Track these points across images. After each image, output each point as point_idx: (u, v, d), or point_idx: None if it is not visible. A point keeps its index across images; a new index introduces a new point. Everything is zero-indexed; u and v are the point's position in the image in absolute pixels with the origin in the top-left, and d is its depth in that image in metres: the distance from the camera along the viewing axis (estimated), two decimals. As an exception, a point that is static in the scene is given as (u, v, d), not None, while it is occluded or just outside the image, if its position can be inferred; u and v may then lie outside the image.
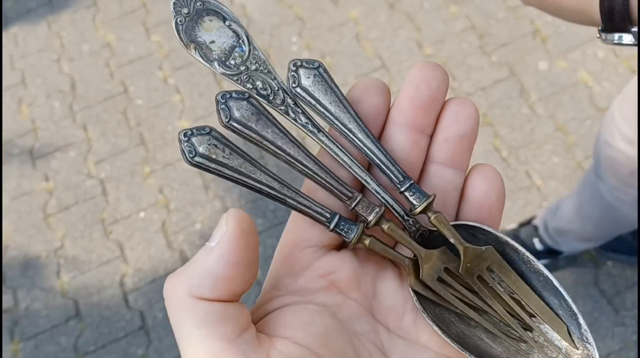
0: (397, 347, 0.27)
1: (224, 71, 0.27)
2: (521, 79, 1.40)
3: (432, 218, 0.27)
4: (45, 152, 1.47)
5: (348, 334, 0.26)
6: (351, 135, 0.27)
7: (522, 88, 1.39)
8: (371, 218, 0.27)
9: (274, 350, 0.23)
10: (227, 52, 0.27)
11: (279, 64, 1.51)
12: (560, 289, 0.26)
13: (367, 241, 0.27)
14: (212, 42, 0.27)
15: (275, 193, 0.26)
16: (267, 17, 1.59)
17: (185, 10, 0.27)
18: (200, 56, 0.27)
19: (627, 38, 0.46)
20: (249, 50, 0.27)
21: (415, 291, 0.27)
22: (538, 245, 1.14)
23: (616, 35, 0.47)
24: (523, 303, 0.27)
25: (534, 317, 0.27)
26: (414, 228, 0.28)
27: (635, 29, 0.45)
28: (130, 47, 1.59)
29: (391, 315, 0.27)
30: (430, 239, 0.28)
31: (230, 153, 0.26)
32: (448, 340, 0.26)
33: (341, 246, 0.28)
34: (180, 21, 0.27)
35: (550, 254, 1.15)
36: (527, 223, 1.19)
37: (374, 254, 0.28)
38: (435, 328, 0.26)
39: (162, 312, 1.24)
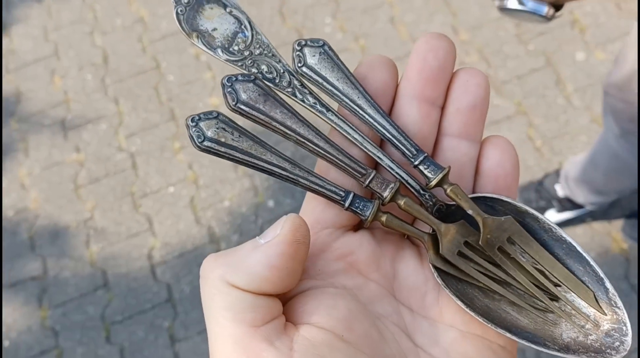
0: (421, 328, 0.26)
1: (228, 57, 0.27)
2: (558, 69, 1.38)
3: (448, 190, 0.26)
4: (76, 124, 1.48)
5: (371, 317, 0.25)
6: (361, 111, 0.26)
7: (559, 78, 1.37)
8: (386, 194, 0.26)
9: (298, 336, 0.23)
10: (230, 38, 0.27)
11: (312, 45, 1.50)
12: (585, 255, 0.26)
13: (383, 218, 0.26)
14: (215, 29, 0.27)
15: (287, 174, 0.26)
16: (302, -3, 1.58)
17: (185, 0, 0.27)
18: (203, 44, 0.27)
19: (512, 3, 0.46)
20: (252, 35, 0.27)
21: (435, 267, 0.26)
22: (560, 192, 1.16)
23: (504, 1, 0.46)
24: (547, 272, 0.26)
25: (560, 285, 0.26)
26: (430, 203, 0.27)
27: None
28: (163, 22, 1.59)
29: (413, 295, 0.27)
30: (448, 214, 0.27)
31: (240, 136, 0.26)
32: (473, 314, 0.25)
33: (358, 227, 0.28)
34: (181, 11, 0.27)
35: (571, 204, 1.16)
36: (553, 172, 1.21)
37: (391, 232, 0.27)
38: (459, 303, 0.25)
39: (189, 286, 1.25)
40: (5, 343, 1.24)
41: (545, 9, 0.46)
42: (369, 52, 1.46)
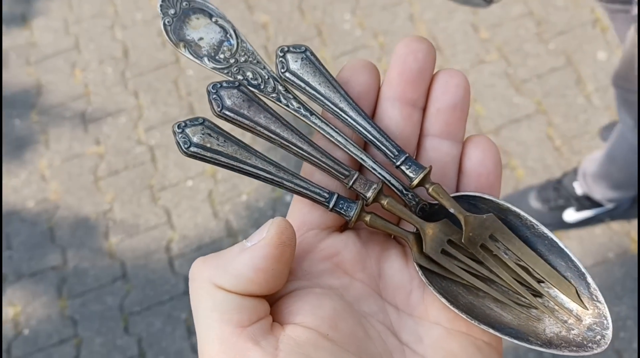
0: (407, 325, 0.26)
1: (214, 65, 0.28)
2: (578, 68, 1.38)
3: (430, 189, 0.27)
4: (97, 117, 1.49)
5: (357, 315, 0.26)
6: (343, 114, 0.27)
7: (579, 78, 1.37)
8: (369, 194, 0.27)
9: (283, 336, 0.24)
10: (215, 47, 0.28)
11: (330, 40, 1.51)
12: (566, 250, 0.26)
13: (367, 218, 0.27)
14: (201, 39, 0.28)
15: (272, 177, 0.26)
16: (321, -7, 1.58)
17: (172, 11, 0.28)
18: (190, 54, 0.28)
19: None
20: (237, 43, 0.28)
21: (420, 266, 0.27)
22: (578, 190, 1.15)
23: None
24: (530, 268, 0.27)
25: (543, 282, 0.27)
26: (413, 202, 0.28)
27: None
28: (183, 17, 1.60)
29: (398, 294, 0.27)
30: (431, 213, 0.28)
31: (225, 141, 0.26)
32: (457, 311, 0.26)
33: (344, 227, 0.28)
34: (168, 22, 0.27)
35: (590, 202, 1.16)
36: (572, 171, 1.21)
37: (376, 231, 0.28)
38: (444, 300, 0.26)
39: (206, 279, 1.26)
40: (25, 331, 1.26)
41: None
42: (388, 49, 1.47)
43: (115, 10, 1.65)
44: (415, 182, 0.27)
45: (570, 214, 1.18)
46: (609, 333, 0.25)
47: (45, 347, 1.24)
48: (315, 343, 0.23)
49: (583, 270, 0.26)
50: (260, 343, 0.23)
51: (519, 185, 1.28)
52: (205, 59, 0.28)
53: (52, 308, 1.28)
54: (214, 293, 0.24)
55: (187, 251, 1.31)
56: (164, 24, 0.27)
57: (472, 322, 0.26)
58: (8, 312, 1.29)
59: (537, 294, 0.27)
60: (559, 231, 1.22)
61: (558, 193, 1.18)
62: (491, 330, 0.26)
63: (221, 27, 0.28)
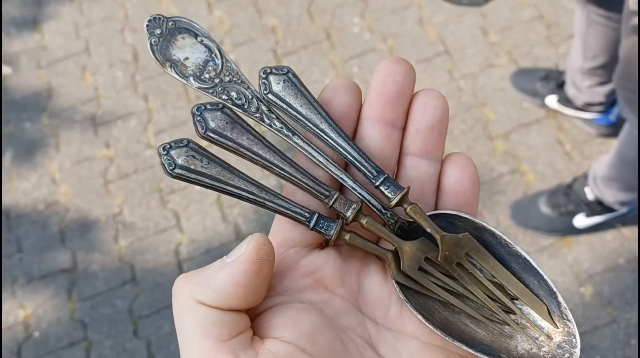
0: (385, 339, 0.27)
1: (199, 85, 0.28)
2: (589, 72, 1.37)
3: (407, 209, 0.27)
4: (107, 120, 1.50)
5: (336, 329, 0.26)
6: (324, 135, 0.28)
7: (590, 81, 1.36)
8: (349, 214, 0.27)
9: (263, 350, 0.24)
10: (201, 66, 0.28)
11: (339, 43, 1.51)
12: (539, 269, 0.27)
13: (347, 237, 0.28)
14: (187, 58, 0.28)
15: (255, 198, 0.27)
16: (330, -3, 1.58)
17: (158, 31, 0.28)
18: (176, 73, 0.28)
19: None
20: (222, 63, 0.28)
21: (398, 283, 0.27)
22: (589, 195, 1.15)
23: None
24: (503, 286, 0.27)
25: (516, 299, 0.27)
26: (392, 221, 0.28)
27: None
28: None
29: (377, 308, 0.28)
30: (410, 230, 0.29)
31: (209, 162, 0.27)
32: (432, 328, 0.26)
33: (325, 244, 0.29)
34: (154, 42, 0.28)
35: (601, 207, 1.15)
36: (582, 176, 1.21)
37: (356, 249, 0.29)
38: (419, 316, 0.27)
39: (215, 283, 1.27)
40: (36, 333, 1.27)
41: None
42: (397, 52, 1.46)
43: (126, 13, 1.66)
44: (394, 202, 0.27)
45: (581, 220, 1.18)
46: (577, 351, 0.26)
47: (55, 349, 1.25)
48: (293, 356, 0.24)
49: (554, 289, 0.27)
50: (240, 356, 0.24)
51: (529, 190, 1.27)
52: (191, 78, 0.28)
53: (62, 311, 1.29)
54: (196, 308, 0.24)
55: (195, 254, 1.31)
56: (151, 44, 0.28)
57: (446, 338, 0.26)
58: (19, 314, 1.30)
59: (510, 311, 0.27)
60: (569, 236, 1.21)
61: (568, 198, 1.18)
62: (464, 347, 0.26)
63: (206, 46, 0.28)
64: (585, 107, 1.24)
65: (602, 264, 1.19)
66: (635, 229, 1.21)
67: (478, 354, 0.26)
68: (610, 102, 1.24)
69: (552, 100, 1.29)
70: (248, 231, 1.32)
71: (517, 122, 1.34)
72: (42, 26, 1.67)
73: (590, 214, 1.17)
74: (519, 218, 1.23)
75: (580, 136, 1.31)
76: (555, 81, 1.29)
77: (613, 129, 1.27)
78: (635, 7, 0.80)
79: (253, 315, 0.26)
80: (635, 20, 0.81)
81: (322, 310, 0.27)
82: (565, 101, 1.27)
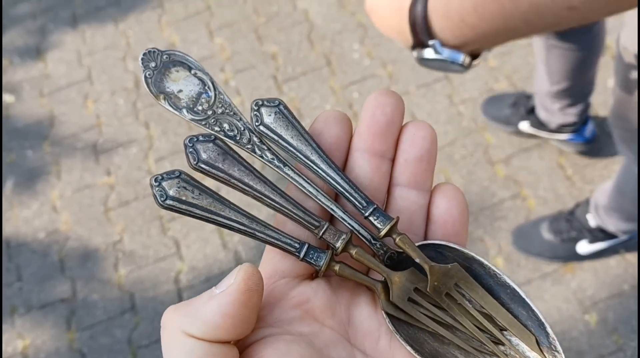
0: None
1: (192, 117, 0.28)
2: (589, 96, 1.37)
3: (397, 240, 0.28)
4: (108, 147, 1.50)
5: None
6: (314, 166, 0.28)
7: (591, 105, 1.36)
8: (338, 244, 0.28)
9: None
10: (194, 99, 0.29)
11: (339, 69, 1.51)
12: (527, 300, 0.27)
13: (336, 268, 0.28)
14: (180, 91, 0.29)
15: (245, 228, 0.28)
16: (330, 23, 1.59)
17: (153, 64, 0.28)
18: (170, 106, 0.28)
19: (429, 52, 0.48)
20: (215, 95, 0.29)
21: (387, 314, 0.28)
22: (591, 222, 1.14)
23: (421, 51, 0.48)
24: (492, 317, 0.28)
25: (505, 330, 0.27)
26: (382, 251, 0.28)
27: (434, 41, 0.46)
28: (194, 48, 1.62)
29: (367, 340, 0.28)
30: (400, 261, 0.29)
31: (200, 193, 0.27)
32: None
33: (315, 275, 0.29)
34: (149, 75, 0.28)
35: (603, 234, 1.15)
36: (584, 202, 1.20)
37: (345, 280, 0.29)
38: (409, 348, 0.27)
39: (215, 311, 1.26)
40: (34, 364, 1.26)
41: (462, 57, 0.48)
42: (396, 78, 1.47)
43: (127, 42, 1.67)
44: (383, 233, 0.28)
45: (584, 246, 1.16)
46: None
47: (53, 380, 1.24)
48: None
49: (542, 319, 0.27)
50: None
51: (531, 215, 1.26)
52: (184, 110, 0.28)
53: (61, 341, 1.28)
54: (184, 341, 0.24)
55: (196, 282, 1.30)
56: (145, 77, 0.28)
57: None
58: (17, 345, 1.29)
59: (499, 342, 0.27)
60: (572, 263, 1.20)
61: (571, 224, 1.17)
62: None
63: (200, 79, 0.29)
64: (560, 129, 1.25)
65: (607, 290, 1.17)
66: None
67: None
68: (582, 121, 1.24)
69: (525, 126, 1.29)
70: (248, 259, 1.31)
71: (517, 146, 1.34)
72: (46, 55, 1.69)
73: (593, 240, 1.16)
74: (521, 244, 1.21)
75: (581, 160, 1.31)
76: (525, 106, 1.29)
77: (590, 145, 1.27)
78: (632, 60, 0.80)
79: (242, 347, 0.26)
80: (635, 74, 0.81)
81: (311, 341, 0.27)
82: (539, 124, 1.27)
